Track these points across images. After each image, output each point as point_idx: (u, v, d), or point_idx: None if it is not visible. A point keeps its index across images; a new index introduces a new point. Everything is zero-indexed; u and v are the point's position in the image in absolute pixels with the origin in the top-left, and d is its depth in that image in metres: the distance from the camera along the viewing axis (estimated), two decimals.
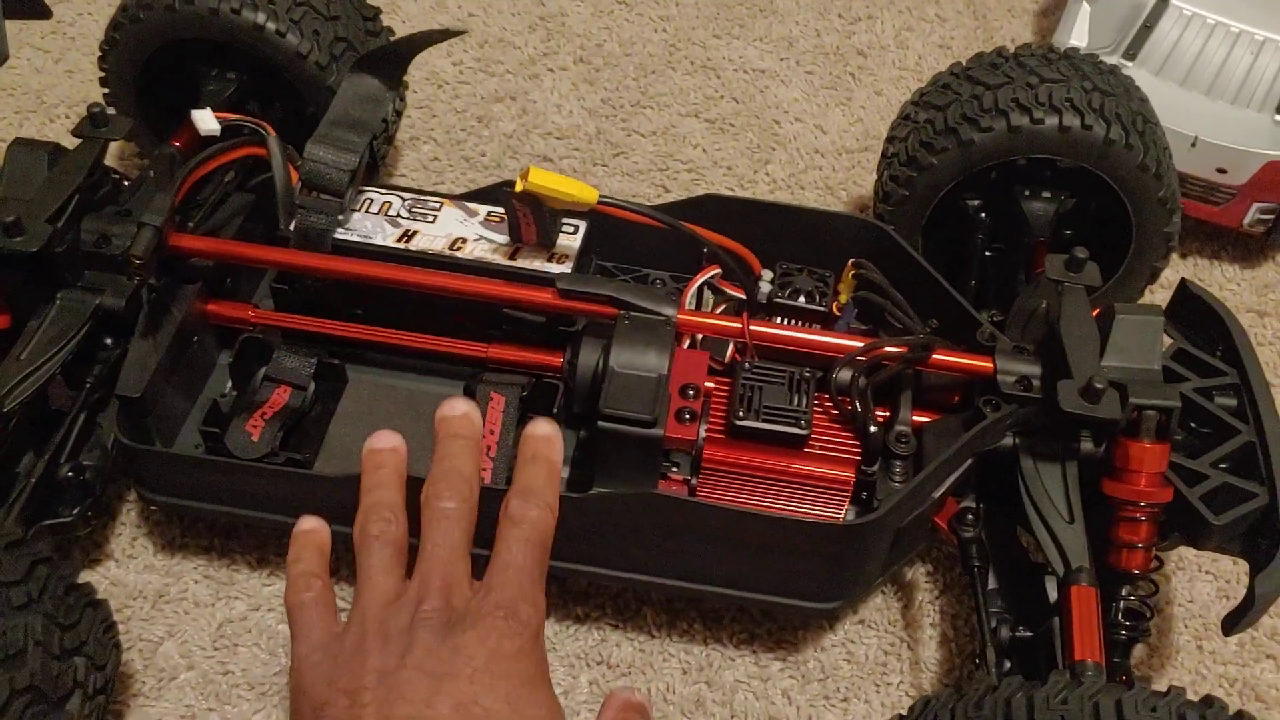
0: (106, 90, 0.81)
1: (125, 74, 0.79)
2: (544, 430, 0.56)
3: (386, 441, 0.56)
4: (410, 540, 0.55)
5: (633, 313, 0.63)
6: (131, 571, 0.70)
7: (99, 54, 0.79)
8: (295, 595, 0.53)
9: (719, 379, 0.66)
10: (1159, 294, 0.84)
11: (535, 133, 0.96)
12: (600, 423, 0.59)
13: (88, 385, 0.65)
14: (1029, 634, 0.61)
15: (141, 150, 0.86)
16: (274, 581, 0.69)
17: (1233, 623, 0.59)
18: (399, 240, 0.68)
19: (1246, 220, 0.88)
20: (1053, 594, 0.61)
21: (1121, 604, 0.60)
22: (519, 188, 0.63)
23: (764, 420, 0.62)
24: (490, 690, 0.47)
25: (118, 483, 0.72)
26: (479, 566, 0.54)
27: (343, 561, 0.68)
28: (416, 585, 0.51)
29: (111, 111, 0.70)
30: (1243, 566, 0.71)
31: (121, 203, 0.68)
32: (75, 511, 0.63)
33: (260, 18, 0.74)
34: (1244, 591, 0.70)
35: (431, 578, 0.51)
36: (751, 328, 0.64)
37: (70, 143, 0.69)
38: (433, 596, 0.50)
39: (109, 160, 0.70)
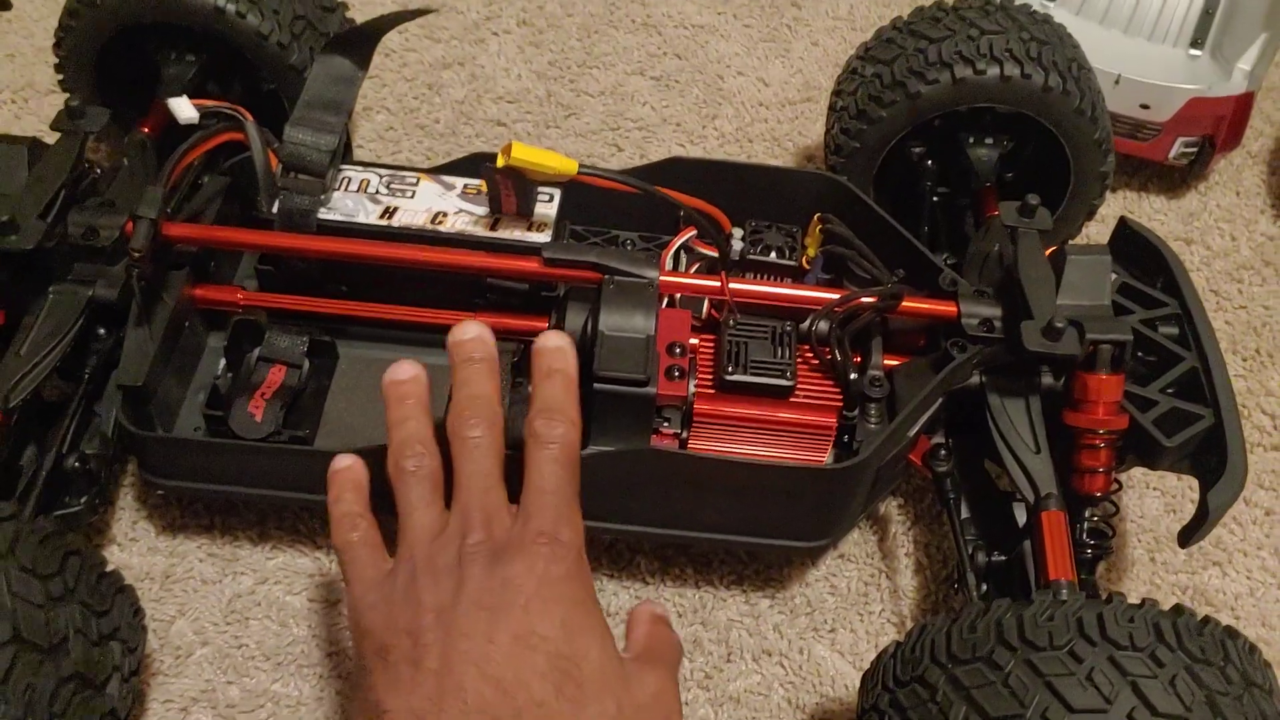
0: (62, 76, 0.81)
1: (82, 60, 0.79)
2: (556, 342, 0.56)
3: (407, 371, 0.57)
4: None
5: (617, 277, 0.66)
6: (135, 554, 0.71)
7: (54, 40, 0.79)
8: (342, 535, 0.54)
9: (701, 335, 0.69)
10: (1095, 228, 0.89)
11: (486, 98, 0.98)
12: (596, 385, 0.62)
13: (85, 376, 0.66)
14: (1002, 558, 0.66)
15: (100, 135, 0.86)
16: (276, 555, 0.72)
17: (1188, 535, 0.64)
18: (381, 217, 0.69)
19: (1171, 154, 0.93)
20: (1021, 519, 0.65)
21: (1085, 525, 0.65)
22: (501, 163, 0.65)
23: (752, 374, 0.65)
24: (545, 617, 0.49)
25: (114, 468, 0.73)
26: (513, 488, 0.54)
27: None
28: (458, 519, 0.53)
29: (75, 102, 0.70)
30: (1186, 481, 0.77)
31: (102, 193, 0.69)
32: (83, 500, 0.65)
33: (220, 0, 0.74)
34: (1189, 504, 0.75)
35: (471, 510, 0.52)
36: (731, 285, 0.67)
37: (19, 128, 0.69)
38: (475, 529, 0.51)
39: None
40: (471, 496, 0.53)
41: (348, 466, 0.57)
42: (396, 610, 0.50)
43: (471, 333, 0.56)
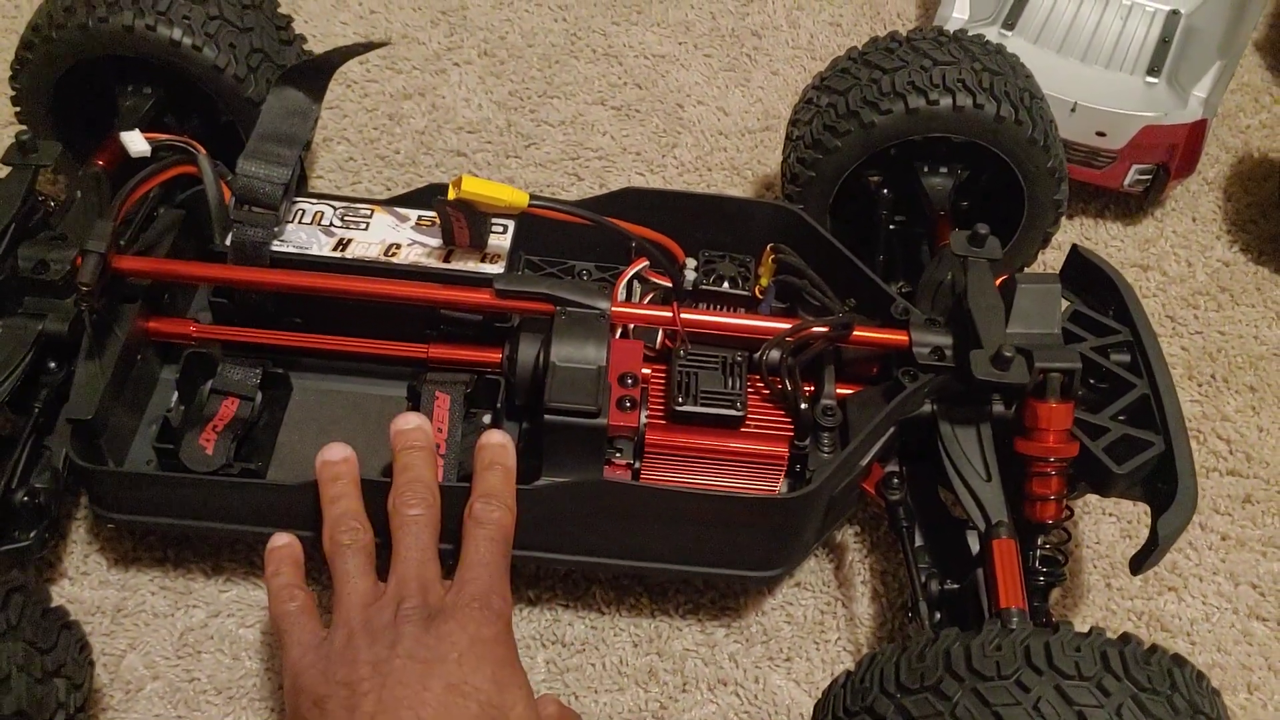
0: (19, 109, 0.81)
1: (38, 93, 0.79)
2: (498, 440, 0.62)
3: (338, 454, 0.62)
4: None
5: (569, 308, 0.66)
6: (87, 588, 0.71)
7: (10, 73, 0.79)
8: (280, 605, 0.57)
9: (654, 365, 0.69)
10: (1051, 254, 0.89)
11: (447, 128, 0.98)
12: (546, 416, 0.62)
13: (35, 409, 0.66)
14: (956, 586, 0.66)
15: (56, 168, 0.86)
16: (230, 588, 0.71)
17: (1140, 562, 0.64)
18: (335, 249, 0.69)
19: (1127, 181, 0.93)
20: (974, 547, 0.65)
21: (1038, 552, 0.65)
22: (452, 195, 0.65)
23: (702, 405, 0.65)
24: (476, 671, 0.52)
25: (65, 501, 0.72)
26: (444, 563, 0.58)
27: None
28: (394, 586, 0.56)
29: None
30: (1141, 508, 0.77)
31: (54, 226, 0.69)
32: (32, 535, 0.64)
33: (176, 33, 0.74)
34: (1144, 530, 0.76)
35: (408, 579, 0.56)
36: (682, 316, 0.68)
37: None
38: (411, 595, 0.55)
39: None
40: (409, 567, 0.57)
41: (285, 544, 0.60)
42: (333, 665, 0.53)
43: (412, 423, 0.62)
